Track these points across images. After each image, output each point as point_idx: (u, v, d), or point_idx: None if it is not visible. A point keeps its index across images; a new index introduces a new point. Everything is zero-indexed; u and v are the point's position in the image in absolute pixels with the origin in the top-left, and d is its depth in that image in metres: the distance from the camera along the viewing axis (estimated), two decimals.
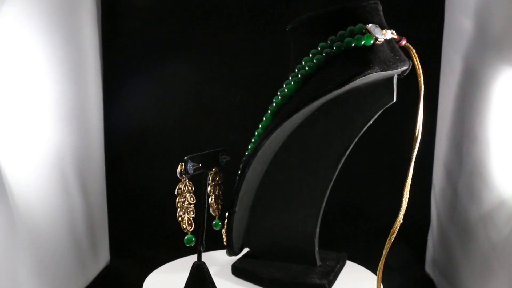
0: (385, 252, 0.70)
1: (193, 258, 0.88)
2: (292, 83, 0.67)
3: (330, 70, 0.64)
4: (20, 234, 0.74)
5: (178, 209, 0.67)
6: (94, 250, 1.05)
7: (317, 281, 0.73)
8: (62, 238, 0.90)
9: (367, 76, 0.63)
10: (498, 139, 0.80)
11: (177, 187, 0.67)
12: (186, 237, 0.68)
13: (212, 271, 0.79)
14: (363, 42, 0.64)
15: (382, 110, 0.70)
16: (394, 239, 1.14)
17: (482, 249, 0.83)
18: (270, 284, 0.74)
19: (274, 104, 0.69)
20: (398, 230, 0.97)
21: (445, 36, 1.04)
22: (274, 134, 0.67)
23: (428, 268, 1.10)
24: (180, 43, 1.12)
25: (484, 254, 0.82)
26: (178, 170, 0.67)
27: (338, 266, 0.79)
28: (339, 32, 0.65)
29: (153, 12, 1.12)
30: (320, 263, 0.79)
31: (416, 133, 0.69)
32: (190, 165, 0.68)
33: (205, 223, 0.71)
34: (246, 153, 0.75)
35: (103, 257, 1.11)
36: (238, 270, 0.79)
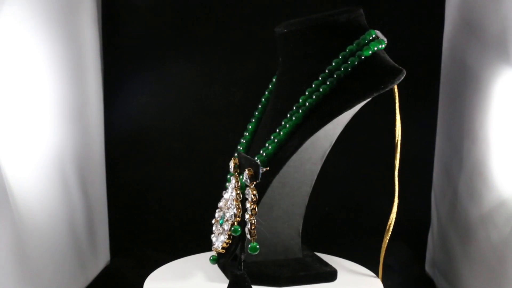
0: (386, 237, 0.77)
1: (194, 258, 0.88)
2: (328, 83, 0.69)
3: (368, 71, 0.69)
4: (20, 234, 0.74)
5: (252, 217, 0.64)
6: (94, 250, 1.05)
7: (328, 269, 0.76)
8: (62, 238, 0.90)
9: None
10: (498, 139, 0.80)
11: (252, 195, 0.64)
12: (251, 245, 0.64)
13: (201, 278, 0.78)
14: (380, 46, 0.70)
15: (361, 105, 0.73)
16: (394, 239, 1.15)
17: (482, 249, 0.83)
18: (286, 281, 0.73)
19: (307, 104, 0.69)
20: (398, 230, 0.99)
21: (445, 36, 1.04)
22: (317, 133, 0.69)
23: (428, 268, 1.10)
24: (180, 43, 1.12)
25: (484, 254, 0.82)
26: (247, 175, 0.64)
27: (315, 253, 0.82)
28: (362, 36, 0.71)
29: (153, 12, 1.12)
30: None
31: (396, 140, 0.75)
32: (261, 170, 0.64)
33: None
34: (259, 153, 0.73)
35: (103, 257, 1.11)
36: (240, 275, 0.76)
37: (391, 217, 0.77)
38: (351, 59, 0.70)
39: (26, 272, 0.75)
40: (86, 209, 1.00)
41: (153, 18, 1.12)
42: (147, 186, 1.16)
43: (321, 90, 0.69)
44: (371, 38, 0.71)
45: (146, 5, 1.11)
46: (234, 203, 0.69)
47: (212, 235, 0.75)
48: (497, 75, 0.80)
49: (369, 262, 0.86)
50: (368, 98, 0.67)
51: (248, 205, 0.64)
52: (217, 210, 0.76)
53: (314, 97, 0.69)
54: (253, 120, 0.83)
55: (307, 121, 0.69)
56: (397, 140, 0.75)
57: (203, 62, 1.13)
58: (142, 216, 1.16)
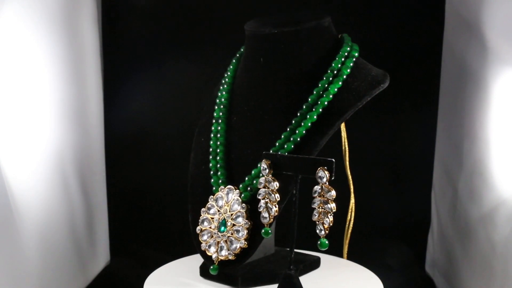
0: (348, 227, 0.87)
1: (194, 258, 0.87)
2: (334, 82, 0.71)
3: (361, 71, 0.73)
4: (20, 234, 0.74)
5: (329, 213, 0.63)
6: (94, 250, 1.05)
7: (314, 257, 0.81)
8: (62, 238, 0.90)
9: None
10: (498, 139, 0.80)
11: (333, 194, 0.63)
12: (322, 241, 0.63)
13: (201, 278, 0.77)
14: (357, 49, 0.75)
15: None
16: (395, 238, 1.15)
17: (482, 249, 0.83)
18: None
19: (319, 102, 0.70)
20: (399, 229, 1.00)
21: (446, 36, 1.04)
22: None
23: (428, 268, 1.10)
24: (180, 43, 1.12)
25: (484, 254, 0.82)
26: (323, 174, 0.62)
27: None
28: (347, 40, 0.75)
29: (153, 12, 1.12)
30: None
31: (343, 146, 0.83)
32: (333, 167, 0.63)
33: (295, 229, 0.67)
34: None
35: (103, 257, 1.11)
36: (249, 279, 0.74)
37: (349, 211, 0.86)
38: (347, 60, 0.72)
39: (27, 272, 0.75)
40: (86, 209, 1.00)
41: (153, 18, 1.12)
42: (147, 186, 1.16)
43: (329, 89, 0.70)
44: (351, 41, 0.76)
45: (146, 5, 1.11)
46: (269, 205, 0.67)
47: (204, 245, 0.73)
48: (497, 75, 0.80)
49: (367, 261, 0.85)
50: (372, 96, 0.70)
51: (316, 201, 0.63)
52: (203, 218, 0.73)
53: (325, 95, 0.70)
54: (220, 121, 0.79)
55: (322, 118, 0.71)
56: (344, 147, 0.83)
57: (203, 62, 1.13)
58: (142, 216, 1.16)
